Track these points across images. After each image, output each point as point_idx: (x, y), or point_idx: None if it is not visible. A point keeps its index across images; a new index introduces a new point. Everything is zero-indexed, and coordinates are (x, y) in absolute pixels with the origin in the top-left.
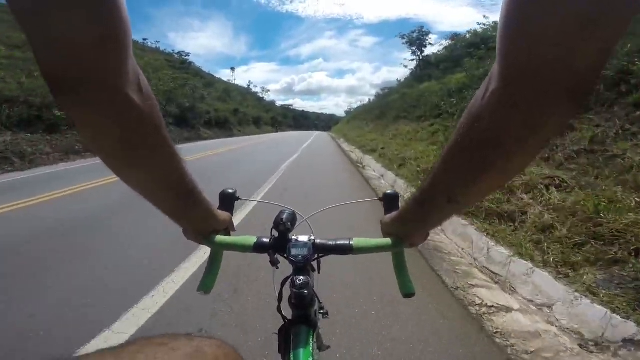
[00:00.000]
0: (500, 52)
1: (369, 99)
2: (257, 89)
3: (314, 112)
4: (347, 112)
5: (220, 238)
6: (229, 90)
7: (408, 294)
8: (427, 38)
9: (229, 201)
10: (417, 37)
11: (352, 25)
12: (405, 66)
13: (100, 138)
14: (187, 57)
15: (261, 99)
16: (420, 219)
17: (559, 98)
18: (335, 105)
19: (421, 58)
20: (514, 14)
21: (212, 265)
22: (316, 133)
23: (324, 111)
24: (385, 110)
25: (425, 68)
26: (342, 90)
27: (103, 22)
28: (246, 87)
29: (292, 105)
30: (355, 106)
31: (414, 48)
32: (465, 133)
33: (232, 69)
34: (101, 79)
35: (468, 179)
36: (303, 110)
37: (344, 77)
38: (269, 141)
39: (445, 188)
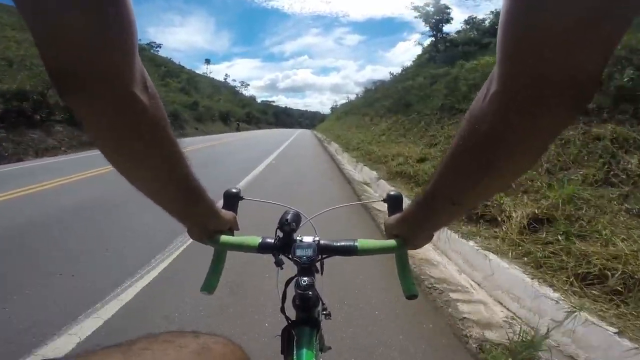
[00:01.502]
0: (501, 54)
1: (357, 94)
2: (237, 83)
3: (297, 109)
4: (332, 109)
5: (224, 238)
6: (195, 81)
7: (411, 295)
8: (447, 11)
9: (232, 201)
10: (434, 11)
11: (338, 22)
12: (420, 43)
13: (105, 136)
14: (157, 49)
15: (237, 93)
16: (424, 220)
17: (561, 101)
18: (320, 103)
19: (442, 35)
20: (516, 15)
21: (216, 265)
22: (298, 132)
23: (309, 108)
24: (410, 100)
25: (449, 48)
26: (327, 87)
27: (109, 23)
28: (222, 80)
29: (274, 102)
30: (342, 102)
31: (431, 22)
32: (466, 135)
33: (207, 61)
34: (108, 79)
35: (471, 181)
36: (286, 107)
37: (328, 74)
38: (201, 150)
39: (449, 190)
